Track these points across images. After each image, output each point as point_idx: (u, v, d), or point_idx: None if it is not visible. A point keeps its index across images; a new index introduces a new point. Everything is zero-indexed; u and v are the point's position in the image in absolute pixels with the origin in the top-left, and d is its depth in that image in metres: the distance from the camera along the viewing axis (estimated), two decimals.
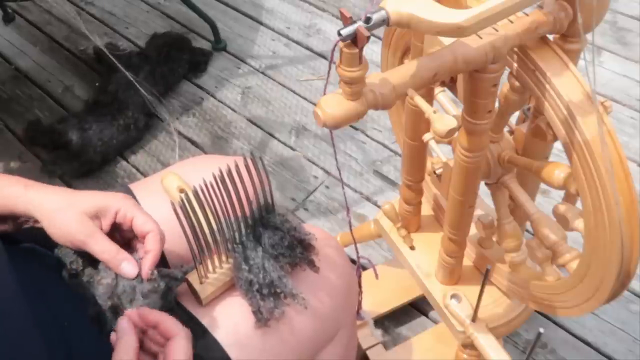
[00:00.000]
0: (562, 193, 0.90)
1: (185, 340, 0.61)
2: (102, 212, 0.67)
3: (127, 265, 0.66)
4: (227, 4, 2.10)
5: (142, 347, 0.62)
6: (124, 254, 0.66)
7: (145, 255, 0.67)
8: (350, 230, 0.89)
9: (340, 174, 0.79)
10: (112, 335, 0.63)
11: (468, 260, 1.03)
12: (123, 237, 0.69)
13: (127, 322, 0.62)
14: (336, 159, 0.75)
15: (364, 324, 1.20)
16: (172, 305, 0.70)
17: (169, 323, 0.63)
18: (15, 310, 0.59)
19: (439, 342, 1.19)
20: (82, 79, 1.92)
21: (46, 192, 0.66)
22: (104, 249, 0.65)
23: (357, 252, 0.96)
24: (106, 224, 0.67)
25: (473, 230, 0.94)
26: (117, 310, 0.66)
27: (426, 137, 0.91)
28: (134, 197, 0.81)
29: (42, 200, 0.65)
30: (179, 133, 1.74)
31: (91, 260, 0.67)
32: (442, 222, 1.07)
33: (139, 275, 0.66)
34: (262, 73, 1.87)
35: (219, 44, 1.94)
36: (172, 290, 0.70)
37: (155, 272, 0.68)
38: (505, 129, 0.86)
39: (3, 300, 0.58)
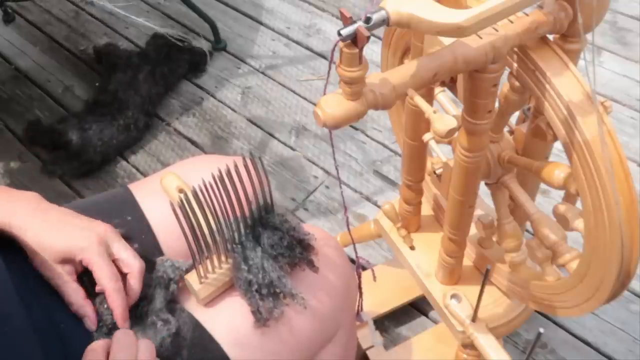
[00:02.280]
0: (562, 193, 0.90)
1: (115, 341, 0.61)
2: (69, 258, 0.68)
3: (86, 321, 0.68)
4: (227, 4, 2.10)
5: None
6: (86, 309, 0.68)
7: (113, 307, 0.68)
8: (348, 230, 0.89)
9: (338, 173, 0.79)
10: None
11: (468, 260, 1.03)
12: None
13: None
14: (334, 158, 0.75)
15: (364, 324, 1.20)
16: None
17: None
18: (12, 312, 0.58)
19: (439, 342, 1.19)
20: (82, 79, 1.92)
21: (28, 226, 0.67)
22: (70, 300, 0.68)
23: (356, 253, 0.96)
24: (75, 268, 0.69)
25: (473, 230, 0.94)
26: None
27: (426, 137, 0.91)
28: (132, 198, 0.81)
29: (23, 237, 0.67)
30: (179, 133, 1.74)
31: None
32: (442, 222, 1.06)
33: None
34: (262, 73, 1.87)
35: (219, 44, 1.94)
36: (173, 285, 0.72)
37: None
38: (505, 129, 0.86)
39: (2, 300, 0.58)
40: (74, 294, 0.68)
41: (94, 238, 0.68)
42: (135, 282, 0.69)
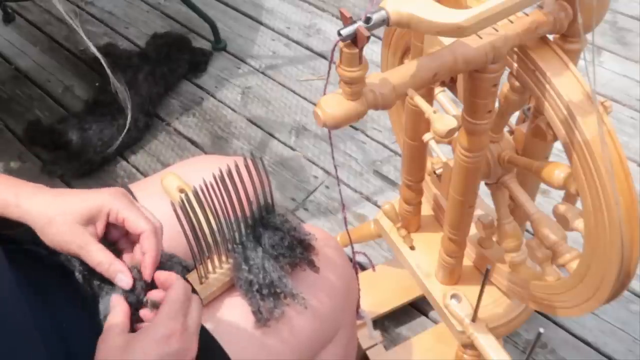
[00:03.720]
0: (562, 193, 0.90)
1: (177, 285, 0.62)
2: (93, 217, 0.65)
3: (121, 277, 0.65)
4: (227, 4, 2.10)
5: None
6: (117, 265, 0.65)
7: (143, 257, 0.66)
8: (346, 228, 0.89)
9: (337, 173, 0.79)
10: None
11: (468, 260, 1.03)
12: (122, 233, 0.69)
13: (118, 297, 0.64)
14: (333, 157, 0.75)
15: (364, 324, 1.20)
16: None
17: (171, 278, 0.64)
18: (15, 312, 0.58)
19: (439, 342, 1.19)
20: (82, 79, 1.92)
21: (37, 199, 0.65)
22: (98, 260, 0.64)
23: (353, 251, 0.96)
24: (100, 227, 0.66)
25: (473, 230, 0.94)
26: None
27: (426, 137, 0.91)
28: (133, 197, 0.81)
29: (33, 209, 0.64)
30: (179, 133, 1.74)
31: None
32: (442, 222, 1.07)
33: (143, 281, 0.66)
34: (262, 73, 1.87)
35: (219, 44, 1.94)
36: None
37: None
38: (505, 129, 0.86)
39: (3, 301, 0.58)
40: (101, 251, 0.64)
41: (117, 192, 0.67)
42: (147, 244, 0.66)
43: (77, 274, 0.67)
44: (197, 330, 0.62)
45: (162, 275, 0.65)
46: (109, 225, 0.67)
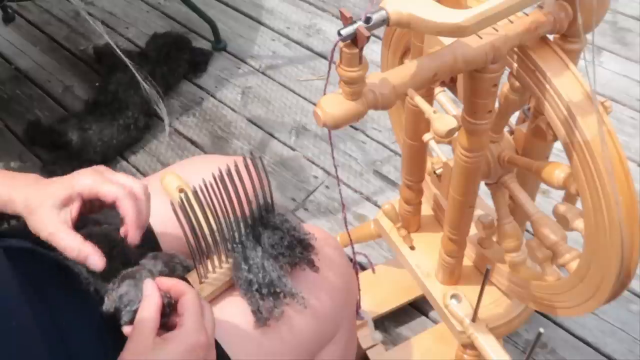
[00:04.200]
0: (562, 193, 0.90)
1: (193, 295, 0.63)
2: (67, 199, 0.65)
3: (92, 259, 0.64)
4: (227, 4, 2.10)
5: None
6: (86, 248, 0.64)
7: (124, 223, 0.66)
8: (346, 228, 0.89)
9: (337, 172, 0.79)
10: (126, 328, 0.64)
11: (468, 260, 1.03)
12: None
13: (152, 284, 0.64)
14: (333, 157, 0.75)
15: (364, 324, 1.20)
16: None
17: (179, 285, 0.65)
18: (15, 311, 0.58)
19: (439, 342, 1.19)
20: (82, 79, 1.92)
21: (25, 192, 0.66)
22: (65, 245, 0.64)
23: (354, 250, 0.96)
24: (74, 210, 0.66)
25: (473, 230, 0.94)
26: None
27: (426, 137, 0.91)
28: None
29: (21, 202, 0.65)
30: (179, 133, 1.74)
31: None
32: (442, 222, 1.06)
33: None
34: (262, 73, 1.87)
35: (219, 44, 1.94)
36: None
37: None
38: (505, 129, 0.86)
39: (3, 299, 0.58)
40: (69, 236, 0.64)
41: (88, 171, 0.68)
42: (123, 208, 0.65)
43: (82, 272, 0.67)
44: (213, 338, 0.64)
45: (167, 282, 0.65)
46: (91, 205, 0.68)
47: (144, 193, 0.68)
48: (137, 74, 1.08)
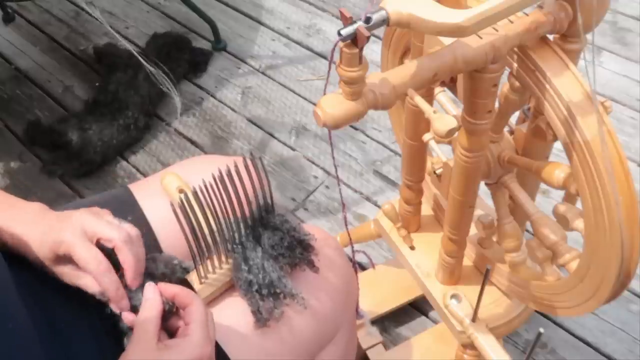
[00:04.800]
0: (562, 193, 0.90)
1: (200, 304, 0.63)
2: (57, 256, 0.65)
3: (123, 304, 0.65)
4: (227, 4, 2.10)
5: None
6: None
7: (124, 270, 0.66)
8: (346, 228, 0.89)
9: (336, 172, 0.79)
10: (128, 315, 0.64)
11: (468, 260, 1.03)
12: None
13: (153, 287, 0.64)
14: (333, 157, 0.75)
15: (363, 324, 1.20)
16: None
17: (185, 293, 0.64)
18: (13, 312, 0.58)
19: (439, 342, 1.19)
20: (82, 79, 1.92)
21: (30, 232, 0.66)
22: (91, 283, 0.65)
23: (353, 250, 0.96)
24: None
25: (473, 230, 0.94)
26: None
27: (426, 137, 0.91)
28: (133, 198, 0.81)
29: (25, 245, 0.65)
30: (179, 133, 1.74)
31: None
32: (442, 222, 1.06)
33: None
34: (262, 73, 1.87)
35: (219, 44, 1.94)
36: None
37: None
38: (505, 129, 0.86)
39: (1, 301, 0.58)
40: (90, 282, 0.64)
41: (69, 229, 0.65)
42: (124, 254, 0.65)
43: None
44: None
45: (172, 288, 0.65)
46: None
47: (139, 238, 0.67)
48: (143, 61, 1.08)
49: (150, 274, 0.68)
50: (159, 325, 0.62)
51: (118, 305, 0.65)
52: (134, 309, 0.65)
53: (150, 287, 0.64)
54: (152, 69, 1.12)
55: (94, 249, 0.64)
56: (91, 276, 0.64)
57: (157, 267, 0.69)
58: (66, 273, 0.65)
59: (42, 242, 0.65)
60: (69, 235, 0.64)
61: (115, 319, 0.66)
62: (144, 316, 0.62)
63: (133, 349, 0.60)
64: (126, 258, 0.65)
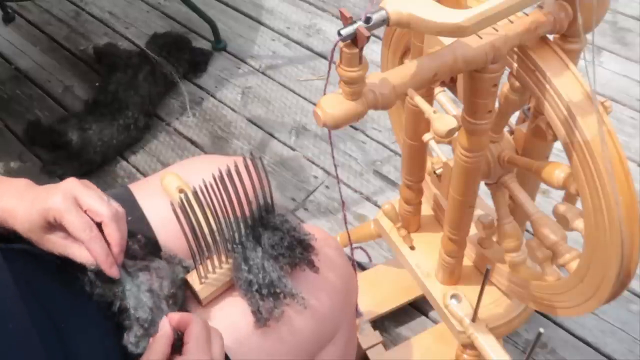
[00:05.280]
0: (562, 193, 0.90)
1: (198, 324, 0.63)
2: (48, 225, 0.65)
3: (113, 270, 0.66)
4: (227, 4, 2.10)
5: None
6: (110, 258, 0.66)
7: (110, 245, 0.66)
8: (346, 228, 0.89)
9: (336, 172, 0.79)
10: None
11: (468, 260, 1.03)
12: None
13: (166, 322, 0.64)
14: (333, 157, 0.75)
15: (359, 324, 1.20)
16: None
17: (186, 316, 0.65)
18: (13, 311, 0.58)
19: (439, 342, 1.19)
20: (82, 79, 1.92)
21: (15, 208, 0.66)
22: (81, 259, 0.66)
23: (352, 249, 0.96)
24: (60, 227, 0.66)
25: (473, 230, 0.94)
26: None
27: (426, 137, 0.91)
28: (133, 198, 0.81)
29: (14, 219, 0.65)
30: (179, 133, 1.74)
31: None
32: (442, 222, 1.06)
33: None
34: (262, 73, 1.87)
35: (219, 44, 1.94)
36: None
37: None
38: (505, 129, 0.86)
39: (1, 301, 0.58)
40: (78, 251, 0.65)
41: (59, 195, 0.65)
42: (111, 230, 0.65)
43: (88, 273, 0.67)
44: None
45: (175, 317, 0.65)
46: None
47: (124, 216, 0.68)
48: (149, 53, 1.09)
49: (158, 277, 0.68)
50: (166, 357, 0.62)
51: (109, 272, 0.65)
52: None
53: (164, 322, 0.64)
54: (157, 58, 1.13)
55: (85, 216, 0.64)
56: (81, 244, 0.65)
57: (159, 268, 0.69)
58: (55, 242, 0.65)
59: (31, 210, 0.64)
60: (59, 201, 0.64)
61: (116, 317, 0.66)
62: (154, 349, 0.62)
63: None
64: (113, 234, 0.65)
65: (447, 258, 0.97)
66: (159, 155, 1.70)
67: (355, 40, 0.55)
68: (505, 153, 0.84)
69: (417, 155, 0.96)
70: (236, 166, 0.69)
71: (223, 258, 0.73)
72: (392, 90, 0.63)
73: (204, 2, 2.02)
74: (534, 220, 0.81)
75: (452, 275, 1.01)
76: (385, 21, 0.57)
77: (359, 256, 1.34)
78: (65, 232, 0.65)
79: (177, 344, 0.64)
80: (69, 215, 0.64)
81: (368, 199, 1.54)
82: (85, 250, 0.65)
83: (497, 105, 0.77)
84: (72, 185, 0.66)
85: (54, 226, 0.65)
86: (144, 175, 1.65)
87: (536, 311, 1.18)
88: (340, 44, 0.56)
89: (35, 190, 0.67)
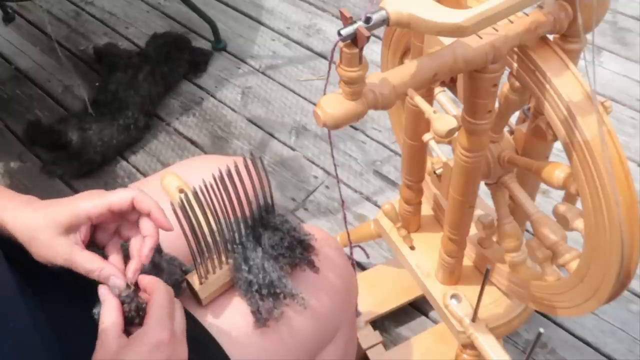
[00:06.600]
0: (562, 193, 0.90)
1: (159, 293, 0.62)
2: (73, 224, 0.64)
3: (114, 281, 0.64)
4: (227, 4, 2.10)
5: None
6: (108, 269, 0.64)
7: (143, 240, 0.66)
8: (346, 228, 0.89)
9: (336, 172, 0.79)
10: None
11: (468, 260, 1.03)
12: (110, 234, 0.68)
13: (105, 289, 0.63)
14: (333, 157, 0.75)
15: (358, 324, 1.20)
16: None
17: (152, 283, 0.64)
18: (14, 311, 0.58)
19: (439, 342, 1.19)
20: (82, 79, 1.91)
21: (19, 215, 0.64)
22: (87, 268, 0.64)
23: (351, 249, 0.96)
24: (84, 232, 0.65)
25: (473, 230, 0.94)
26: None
27: (426, 137, 0.91)
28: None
29: (16, 227, 0.64)
30: (179, 133, 1.74)
31: None
32: (442, 222, 1.06)
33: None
34: (262, 73, 1.87)
35: (219, 44, 1.94)
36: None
37: None
38: (505, 129, 0.86)
39: (1, 301, 0.58)
40: (89, 258, 0.63)
41: (89, 196, 0.65)
42: (146, 201, 0.64)
43: None
44: (184, 334, 0.62)
45: (144, 279, 0.64)
46: (96, 230, 0.67)
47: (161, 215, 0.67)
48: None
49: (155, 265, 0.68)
50: (119, 324, 0.61)
51: (130, 280, 0.64)
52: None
53: (101, 289, 0.63)
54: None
55: (92, 256, 0.64)
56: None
57: (159, 270, 0.69)
58: (62, 248, 0.63)
59: (55, 214, 0.63)
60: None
61: None
62: (102, 320, 0.61)
63: (95, 356, 0.59)
64: (150, 203, 0.65)
65: (447, 258, 0.97)
66: (159, 155, 1.70)
67: (355, 40, 0.55)
68: (505, 153, 0.84)
69: (417, 155, 0.96)
70: (236, 166, 0.69)
71: (223, 258, 0.73)
72: (392, 90, 0.63)
73: (204, 2, 2.02)
74: (534, 220, 0.81)
75: (452, 275, 1.01)
76: (385, 21, 0.57)
77: (359, 256, 1.34)
78: (77, 239, 0.64)
79: (138, 312, 0.62)
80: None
81: (368, 199, 1.54)
82: (94, 258, 0.64)
83: (497, 105, 0.77)
84: (81, 204, 0.66)
85: (73, 230, 0.64)
86: (144, 175, 1.65)
87: (536, 311, 1.18)
88: (340, 44, 0.56)
89: (43, 201, 0.66)
